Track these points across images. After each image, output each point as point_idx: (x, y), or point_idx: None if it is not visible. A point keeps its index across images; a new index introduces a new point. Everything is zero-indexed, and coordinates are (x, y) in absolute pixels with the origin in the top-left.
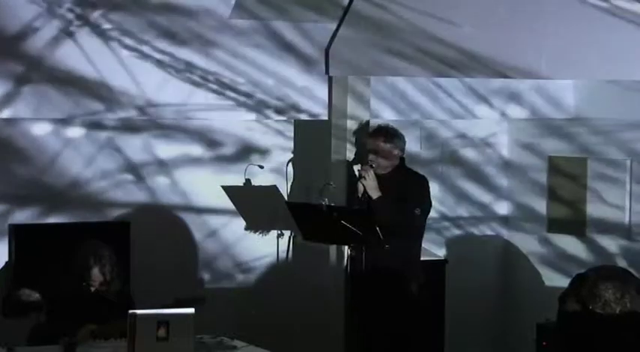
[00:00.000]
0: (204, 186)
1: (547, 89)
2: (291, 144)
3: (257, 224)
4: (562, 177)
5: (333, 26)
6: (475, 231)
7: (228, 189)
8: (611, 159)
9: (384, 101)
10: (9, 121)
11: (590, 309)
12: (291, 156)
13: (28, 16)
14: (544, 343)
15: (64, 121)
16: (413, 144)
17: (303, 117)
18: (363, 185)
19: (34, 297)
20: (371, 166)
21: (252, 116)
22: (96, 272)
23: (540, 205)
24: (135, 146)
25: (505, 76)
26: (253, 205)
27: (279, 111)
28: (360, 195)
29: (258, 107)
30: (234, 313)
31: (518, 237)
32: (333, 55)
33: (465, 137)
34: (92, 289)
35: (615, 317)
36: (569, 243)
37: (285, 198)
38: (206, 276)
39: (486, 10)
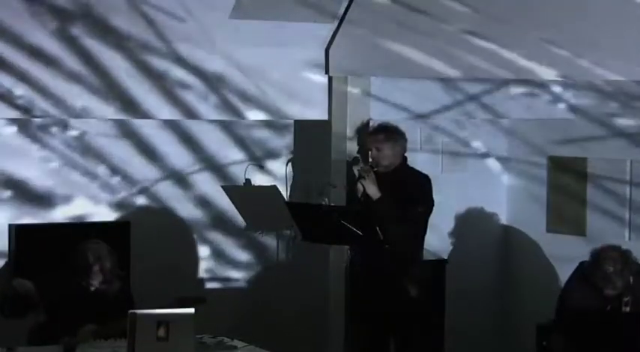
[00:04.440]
0: None
1: (547, 88)
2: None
3: (257, 224)
4: (562, 177)
5: (333, 26)
6: (475, 231)
7: (227, 189)
8: (611, 159)
9: (384, 101)
10: None
11: (593, 284)
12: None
13: None
14: (544, 343)
15: None
16: (413, 144)
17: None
18: (363, 185)
19: (27, 287)
20: (371, 166)
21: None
22: (96, 271)
23: (540, 205)
24: None
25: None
26: (253, 205)
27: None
28: (360, 195)
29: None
30: (234, 313)
31: (518, 237)
32: (333, 55)
33: (464, 136)
34: (92, 289)
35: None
36: (569, 243)
37: (285, 198)
38: (206, 276)
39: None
